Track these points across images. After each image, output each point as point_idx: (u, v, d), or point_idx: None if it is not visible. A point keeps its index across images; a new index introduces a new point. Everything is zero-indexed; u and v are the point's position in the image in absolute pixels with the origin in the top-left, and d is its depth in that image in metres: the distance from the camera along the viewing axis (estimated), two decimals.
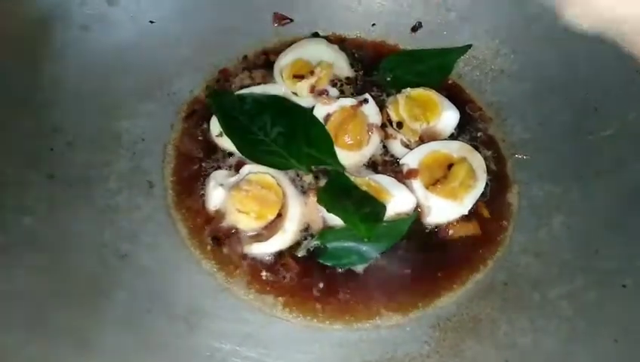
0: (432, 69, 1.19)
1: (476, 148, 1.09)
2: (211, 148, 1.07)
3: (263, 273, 0.95)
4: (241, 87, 1.13)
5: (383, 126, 1.10)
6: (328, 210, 0.94)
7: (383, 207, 0.95)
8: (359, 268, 0.96)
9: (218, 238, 0.97)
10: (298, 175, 1.04)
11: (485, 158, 1.07)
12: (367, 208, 0.94)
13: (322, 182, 1.03)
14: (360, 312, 0.93)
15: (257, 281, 0.94)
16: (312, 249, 0.96)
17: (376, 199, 0.96)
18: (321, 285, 0.95)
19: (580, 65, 1.11)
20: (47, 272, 0.83)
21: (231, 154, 1.07)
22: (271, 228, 0.97)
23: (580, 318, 0.87)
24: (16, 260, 0.82)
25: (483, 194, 1.03)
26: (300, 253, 0.96)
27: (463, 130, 1.13)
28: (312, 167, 1.04)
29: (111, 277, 0.87)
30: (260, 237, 0.97)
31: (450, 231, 1.01)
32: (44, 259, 0.84)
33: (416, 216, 1.00)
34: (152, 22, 1.14)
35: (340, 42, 1.22)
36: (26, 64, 0.99)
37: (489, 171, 1.05)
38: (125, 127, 1.05)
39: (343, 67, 1.17)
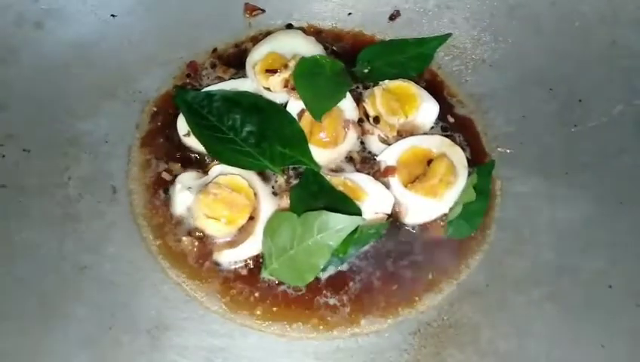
0: (411, 59, 1.13)
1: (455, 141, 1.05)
2: (179, 149, 1.02)
3: (234, 281, 0.91)
4: (211, 84, 1.08)
5: (360, 121, 1.05)
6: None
7: (359, 214, 0.90)
8: (333, 273, 0.93)
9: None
10: (273, 176, 0.99)
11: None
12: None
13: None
14: (337, 319, 0.89)
15: (228, 290, 0.90)
16: None
17: (353, 202, 0.91)
18: (294, 293, 0.91)
19: (565, 55, 1.07)
20: None
21: (199, 154, 1.02)
22: (242, 233, 0.93)
23: (565, 320, 0.84)
24: None
25: None
26: None
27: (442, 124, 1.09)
28: (286, 167, 0.99)
29: (69, 291, 0.83)
30: (230, 242, 0.93)
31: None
32: None
33: (388, 225, 0.96)
34: (113, 15, 1.08)
35: (316, 34, 1.17)
36: None
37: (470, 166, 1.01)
38: (86, 128, 0.99)
39: None
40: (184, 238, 0.93)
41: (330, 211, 0.85)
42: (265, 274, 0.91)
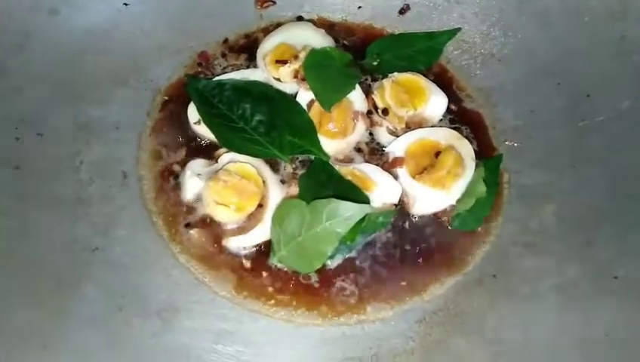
0: (420, 53, 1.14)
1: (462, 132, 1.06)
2: (189, 137, 1.03)
3: (243, 267, 0.92)
4: (222, 73, 1.09)
5: (369, 113, 1.06)
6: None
7: (367, 202, 0.91)
8: (341, 261, 0.94)
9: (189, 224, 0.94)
10: (281, 163, 1.00)
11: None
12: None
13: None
14: (343, 306, 0.90)
15: (237, 276, 0.91)
16: None
17: (361, 191, 0.92)
18: (302, 279, 0.92)
19: (574, 50, 1.07)
20: (12, 267, 0.80)
21: (209, 142, 1.03)
22: (251, 220, 0.94)
23: (570, 311, 0.85)
24: None
25: None
26: None
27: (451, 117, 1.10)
28: (295, 155, 1.00)
29: (80, 272, 0.84)
30: (239, 229, 0.93)
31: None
32: (9, 254, 0.81)
33: (396, 214, 0.97)
34: (126, 4, 1.09)
35: (329, 28, 1.18)
36: None
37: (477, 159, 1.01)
38: (98, 115, 1.00)
39: None
40: (192, 232, 0.94)
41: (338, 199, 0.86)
42: (273, 261, 0.92)
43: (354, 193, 0.92)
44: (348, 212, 0.85)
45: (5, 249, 0.82)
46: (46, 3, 1.00)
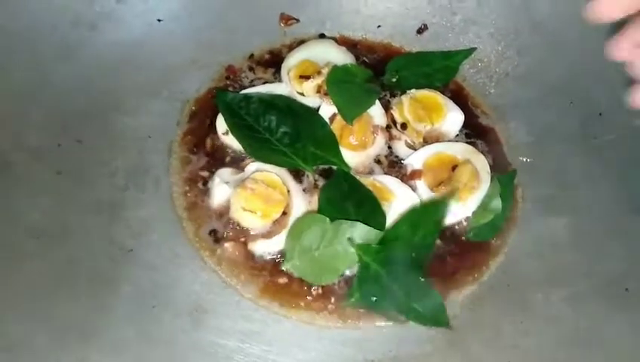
0: (437, 71, 1.19)
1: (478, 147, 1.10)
2: (217, 146, 1.08)
3: (268, 271, 0.96)
4: (248, 86, 1.14)
5: (388, 127, 1.10)
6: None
7: (383, 216, 0.95)
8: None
9: (217, 235, 0.98)
10: (304, 173, 1.04)
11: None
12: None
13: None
14: (363, 311, 0.93)
15: (262, 279, 0.95)
16: None
17: (379, 206, 0.96)
18: (325, 285, 0.95)
19: (586, 70, 1.11)
20: (55, 266, 0.84)
21: (236, 152, 1.07)
22: (276, 226, 0.98)
23: (582, 320, 0.88)
24: (25, 253, 0.84)
25: None
26: None
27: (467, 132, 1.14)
28: (317, 166, 1.04)
29: (117, 272, 0.88)
30: (265, 234, 0.98)
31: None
32: (52, 253, 0.85)
33: None
34: (159, 20, 1.14)
35: (350, 45, 1.23)
36: (36, 62, 1.00)
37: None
38: (132, 124, 1.05)
39: None
40: (226, 245, 0.97)
41: (358, 212, 0.92)
42: (287, 267, 0.95)
43: (373, 206, 0.95)
44: (365, 237, 0.90)
45: (48, 249, 0.86)
46: (86, 18, 1.06)
